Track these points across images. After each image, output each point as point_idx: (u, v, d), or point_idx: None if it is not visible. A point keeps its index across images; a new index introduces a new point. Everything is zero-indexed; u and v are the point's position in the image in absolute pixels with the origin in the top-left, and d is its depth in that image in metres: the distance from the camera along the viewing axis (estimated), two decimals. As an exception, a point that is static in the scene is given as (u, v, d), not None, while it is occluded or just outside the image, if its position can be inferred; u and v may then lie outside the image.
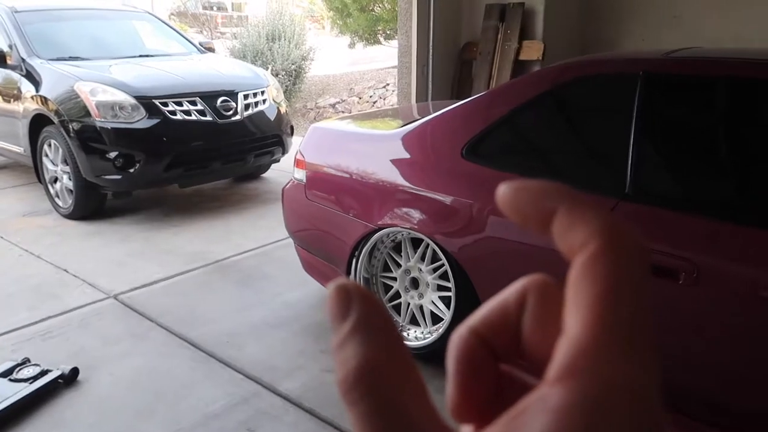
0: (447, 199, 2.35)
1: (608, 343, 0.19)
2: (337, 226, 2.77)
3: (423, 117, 2.83)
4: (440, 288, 2.54)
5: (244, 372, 2.53)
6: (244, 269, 3.61)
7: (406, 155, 2.53)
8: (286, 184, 3.17)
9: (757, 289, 1.69)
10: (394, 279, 2.69)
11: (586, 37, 5.22)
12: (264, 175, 5.76)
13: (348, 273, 2.79)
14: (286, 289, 3.32)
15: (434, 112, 3.04)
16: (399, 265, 2.66)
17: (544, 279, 0.24)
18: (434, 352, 2.49)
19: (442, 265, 2.48)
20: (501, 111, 2.30)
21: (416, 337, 2.59)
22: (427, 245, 2.51)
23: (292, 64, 9.39)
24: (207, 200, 5.04)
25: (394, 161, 2.55)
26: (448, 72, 5.08)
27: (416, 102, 4.85)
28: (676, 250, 1.83)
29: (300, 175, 2.95)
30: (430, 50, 4.78)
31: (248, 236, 4.16)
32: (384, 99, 8.89)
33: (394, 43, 13.64)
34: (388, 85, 9.20)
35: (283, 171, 5.69)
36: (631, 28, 5.14)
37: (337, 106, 9.38)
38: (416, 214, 2.43)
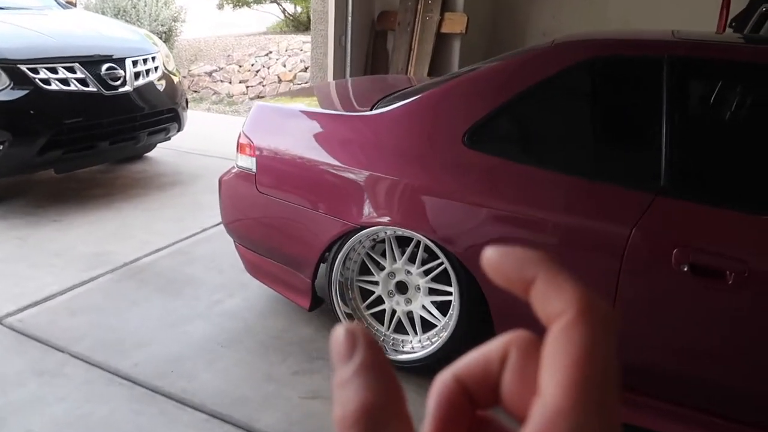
0: (448, 194, 2.06)
1: (582, 405, 0.21)
2: (301, 225, 2.36)
3: (395, 94, 2.50)
4: (432, 292, 2.26)
5: (206, 409, 2.07)
6: (163, 273, 3.04)
7: (394, 142, 2.18)
8: (225, 173, 2.66)
9: None
10: (375, 283, 2.35)
11: (499, 12, 5.12)
12: (149, 154, 5.01)
13: (314, 277, 2.41)
14: (223, 295, 2.83)
15: (400, 87, 2.72)
16: (380, 267, 2.33)
17: (528, 336, 0.25)
18: (430, 365, 2.22)
19: (435, 267, 2.20)
20: (507, 93, 2.03)
21: (412, 347, 2.29)
22: (417, 245, 2.21)
23: (161, 25, 8.34)
24: (86, 187, 4.25)
25: (377, 149, 2.19)
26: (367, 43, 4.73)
27: (338, 77, 4.44)
28: (724, 248, 1.72)
29: (246, 162, 2.47)
30: (349, 18, 4.37)
31: (154, 231, 3.54)
32: (268, 68, 8.24)
33: (264, 7, 12.80)
34: (270, 53, 8.53)
35: (172, 149, 4.99)
36: (543, 6, 5.14)
37: (214, 74, 8.53)
38: (409, 211, 2.11)
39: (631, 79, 1.97)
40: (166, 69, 4.41)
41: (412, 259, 2.25)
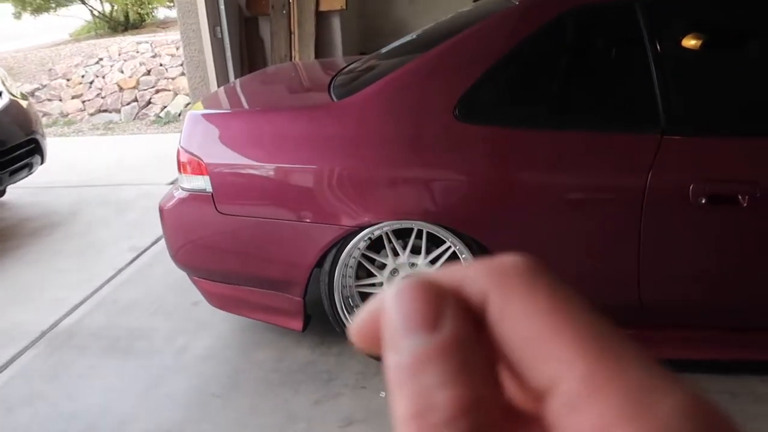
0: (451, 174, 1.93)
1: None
2: (282, 240, 2.09)
3: (346, 80, 2.29)
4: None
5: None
6: (98, 332, 2.56)
7: (377, 129, 1.99)
8: (166, 200, 2.28)
9: None
10: (377, 285, 2.17)
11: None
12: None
13: (305, 294, 2.16)
14: (186, 339, 2.45)
15: (330, 72, 2.50)
16: (380, 266, 2.15)
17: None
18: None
19: (441, 253, 2.07)
20: (490, 58, 1.94)
21: None
22: (419, 235, 2.06)
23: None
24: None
25: (359, 140, 1.99)
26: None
27: (218, 72, 4.01)
28: (733, 174, 1.81)
29: (196, 183, 2.13)
30: (221, 7, 3.96)
31: (57, 286, 2.97)
32: (103, 77, 7.33)
33: (71, 10, 11.37)
34: (101, 59, 7.59)
35: (26, 187, 4.24)
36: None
37: (38, 93, 7.41)
38: (412, 201, 1.95)
39: (610, 27, 1.97)
40: (10, 94, 3.68)
41: (412, 251, 2.10)
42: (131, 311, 2.70)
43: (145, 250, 3.32)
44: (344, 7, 4.29)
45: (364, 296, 2.21)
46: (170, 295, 2.81)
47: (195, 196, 2.15)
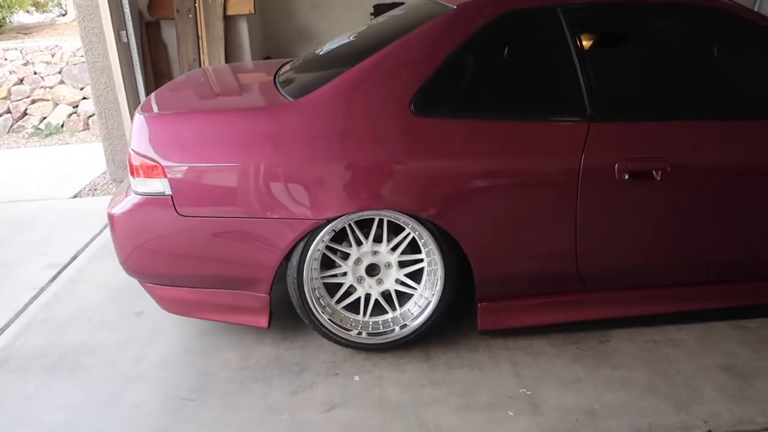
0: (411, 165, 2.08)
1: None
2: (248, 237, 2.12)
3: (294, 79, 2.37)
4: (401, 265, 2.27)
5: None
6: (38, 352, 2.39)
7: (338, 125, 2.07)
8: (114, 205, 2.21)
9: (723, 171, 2.15)
10: (341, 275, 2.26)
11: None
12: None
13: (270, 290, 2.20)
14: (140, 348, 2.37)
15: (261, 73, 2.55)
16: (343, 257, 2.24)
17: None
18: (429, 329, 2.27)
19: (401, 241, 2.22)
20: (438, 56, 2.11)
21: (415, 307, 2.27)
22: (379, 224, 2.19)
23: None
24: None
25: (322, 137, 2.07)
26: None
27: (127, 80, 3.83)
28: (649, 152, 2.13)
29: (153, 186, 2.10)
30: (126, 10, 3.80)
31: (-29, 309, 2.73)
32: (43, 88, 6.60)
33: None
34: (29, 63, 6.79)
35: None
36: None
37: None
38: (376, 192, 2.07)
39: (539, 28, 2.22)
40: None
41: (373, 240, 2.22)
42: (68, 328, 2.55)
43: (66, 266, 3.13)
44: (252, 11, 4.29)
45: (329, 287, 2.29)
46: (109, 308, 2.69)
47: (152, 200, 2.11)
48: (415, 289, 2.29)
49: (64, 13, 12.13)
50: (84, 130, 6.53)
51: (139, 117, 2.17)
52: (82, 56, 7.06)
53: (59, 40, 7.53)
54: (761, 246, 2.29)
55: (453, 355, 2.27)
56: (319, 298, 2.25)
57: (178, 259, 2.20)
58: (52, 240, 3.46)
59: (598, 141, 2.10)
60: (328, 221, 2.10)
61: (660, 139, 2.14)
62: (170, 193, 2.09)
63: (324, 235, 2.13)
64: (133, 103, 3.96)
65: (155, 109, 2.26)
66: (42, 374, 2.25)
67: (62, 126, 6.53)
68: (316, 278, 2.23)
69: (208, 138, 2.09)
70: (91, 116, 6.58)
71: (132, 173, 2.13)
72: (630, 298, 2.34)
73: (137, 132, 2.15)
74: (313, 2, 5.27)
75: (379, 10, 5.27)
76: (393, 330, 2.28)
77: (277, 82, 2.44)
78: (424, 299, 2.28)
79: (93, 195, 4.27)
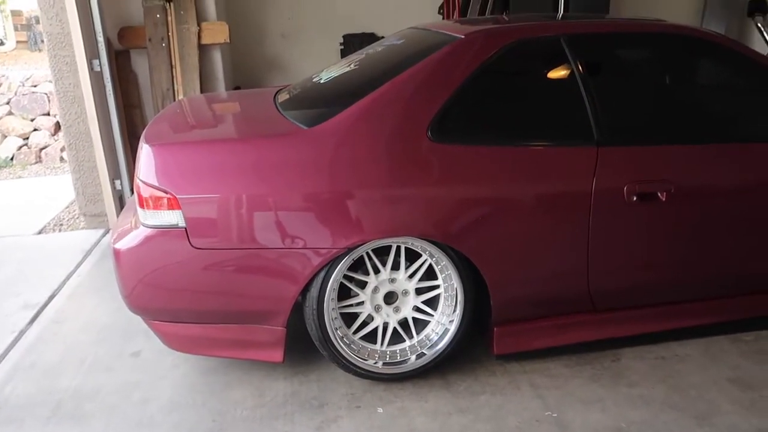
0: (431, 192, 2.08)
1: None
2: (267, 269, 2.06)
3: (302, 106, 2.35)
4: (418, 292, 2.26)
5: None
6: (32, 400, 2.22)
7: (356, 153, 2.06)
8: (120, 239, 2.10)
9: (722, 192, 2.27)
10: (359, 304, 2.22)
11: (234, 17, 4.98)
12: None
13: (287, 323, 2.14)
14: (144, 393, 2.24)
15: (254, 103, 2.53)
16: (361, 286, 2.21)
17: None
18: (448, 355, 2.25)
19: (418, 268, 2.21)
20: (451, 86, 2.14)
21: (433, 334, 2.24)
22: (397, 252, 2.18)
23: None
24: None
25: (341, 164, 2.05)
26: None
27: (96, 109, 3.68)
28: (654, 175, 2.22)
29: (165, 218, 2.02)
30: (99, 38, 3.67)
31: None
32: None
33: None
34: None
35: None
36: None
37: None
38: (396, 218, 2.06)
39: (546, 57, 2.30)
40: None
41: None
42: (60, 372, 2.38)
43: (44, 307, 2.94)
44: (227, 40, 4.24)
45: (345, 317, 2.25)
46: (100, 349, 2.54)
47: (164, 233, 2.02)
48: (432, 315, 2.28)
49: (1, 42, 11.64)
50: (36, 162, 6.23)
51: (146, 147, 2.09)
52: (33, 86, 6.81)
53: (4, 70, 7.21)
54: (757, 261, 2.42)
55: (472, 381, 2.26)
56: (336, 329, 2.20)
57: (189, 293, 2.11)
58: (24, 279, 3.25)
59: (608, 164, 2.18)
60: (349, 250, 2.07)
61: (664, 162, 2.24)
62: (184, 225, 2.01)
63: (344, 265, 2.10)
64: (106, 134, 3.81)
65: (161, 139, 2.19)
66: (41, 425, 2.09)
67: (12, 159, 6.20)
68: (334, 308, 2.19)
69: (225, 167, 2.04)
70: (43, 149, 6.29)
71: (141, 205, 2.04)
72: (639, 316, 2.41)
73: (146, 162, 2.06)
74: (282, 32, 5.28)
75: (348, 40, 5.34)
76: (409, 359, 2.26)
77: (281, 110, 2.41)
78: (441, 326, 2.27)
79: (59, 230, 4.06)
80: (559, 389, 2.20)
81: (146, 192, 2.03)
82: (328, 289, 2.10)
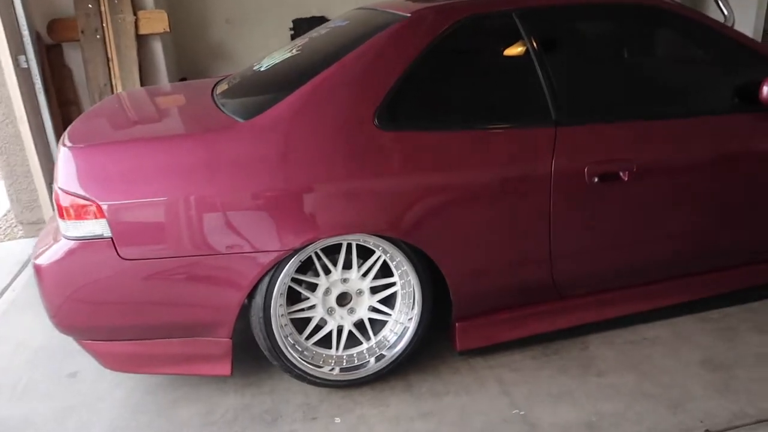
0: (383, 183, 1.93)
1: None
2: (207, 278, 1.89)
3: (232, 100, 2.18)
4: (373, 290, 2.12)
5: None
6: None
7: (298, 146, 1.89)
8: (40, 255, 1.90)
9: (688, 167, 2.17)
10: (310, 308, 2.07)
11: (175, 3, 4.71)
12: None
13: (232, 333, 1.98)
14: (83, 416, 2.06)
15: (192, 95, 2.34)
16: (312, 288, 2.06)
17: None
18: (407, 357, 2.12)
19: (372, 266, 2.07)
20: (396, 69, 1.98)
21: (391, 334, 2.11)
22: (348, 250, 2.03)
23: None
24: None
25: (281, 160, 1.88)
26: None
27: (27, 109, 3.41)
28: (616, 154, 2.11)
29: (88, 228, 1.83)
30: (25, 32, 3.39)
31: None
32: None
33: None
34: None
35: None
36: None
37: None
38: (346, 215, 1.91)
39: (499, 35, 2.16)
40: None
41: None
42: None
43: (-26, 327, 2.71)
44: (167, 29, 3.99)
45: (297, 323, 2.09)
46: (35, 373, 2.34)
47: (88, 244, 1.83)
48: (390, 315, 2.14)
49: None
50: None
51: (65, 150, 1.89)
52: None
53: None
54: (723, 237, 2.34)
55: (435, 381, 2.14)
56: (287, 336, 2.05)
57: (121, 308, 1.92)
58: (-48, 298, 3.00)
59: (567, 145, 2.06)
60: (295, 251, 1.91)
61: (626, 140, 2.13)
62: (110, 234, 1.82)
63: (290, 267, 1.94)
64: (38, 135, 3.55)
65: (83, 140, 1.98)
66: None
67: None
68: (283, 315, 2.03)
69: (153, 169, 1.85)
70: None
71: (61, 215, 1.85)
72: (604, 301, 2.32)
73: (64, 167, 1.86)
74: (227, 17, 5.02)
75: (298, 24, 5.12)
76: (368, 362, 2.12)
77: (218, 103, 2.22)
78: (400, 325, 2.14)
79: (-5, 241, 3.79)
80: (526, 383, 2.09)
81: (66, 201, 1.83)
82: (274, 294, 1.94)
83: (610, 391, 2.03)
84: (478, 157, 2.01)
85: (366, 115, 1.94)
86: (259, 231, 1.86)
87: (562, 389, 2.05)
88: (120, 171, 1.84)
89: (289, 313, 2.05)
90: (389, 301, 2.14)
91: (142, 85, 4.00)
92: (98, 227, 1.82)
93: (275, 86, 2.16)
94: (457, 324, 2.17)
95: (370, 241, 2.00)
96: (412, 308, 2.11)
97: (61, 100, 3.97)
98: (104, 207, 1.80)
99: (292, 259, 1.92)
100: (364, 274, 2.08)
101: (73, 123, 2.24)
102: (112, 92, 3.90)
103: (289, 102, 1.94)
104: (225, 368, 2.03)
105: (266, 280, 1.93)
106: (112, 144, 1.94)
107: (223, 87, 2.46)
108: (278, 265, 1.92)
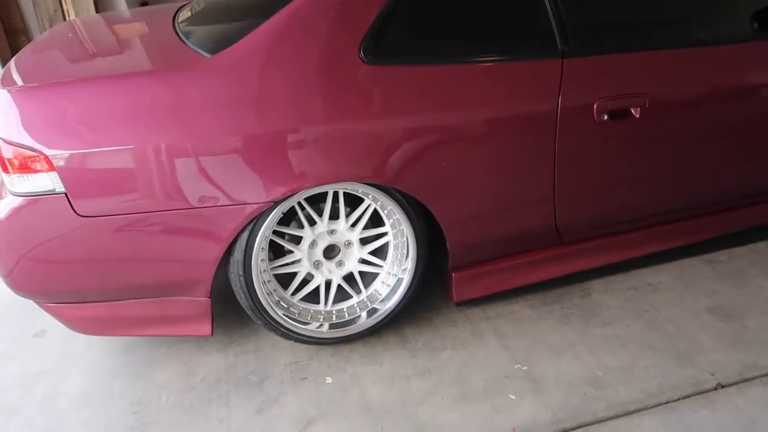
0: (371, 125, 1.72)
1: None
2: (178, 234, 1.69)
3: (193, 33, 1.91)
4: (363, 242, 1.95)
5: None
6: None
7: (275, 83, 1.66)
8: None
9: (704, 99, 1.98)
10: (295, 263, 1.90)
11: None
12: None
13: (210, 292, 1.81)
14: (51, 382, 1.91)
15: (153, 24, 2.06)
16: (296, 241, 1.88)
17: None
18: (403, 309, 1.99)
19: (360, 216, 1.89)
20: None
21: (383, 287, 1.97)
22: (334, 198, 1.84)
23: None
24: None
25: (257, 99, 1.65)
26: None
27: None
28: (627, 88, 1.91)
29: (38, 183, 1.60)
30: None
31: None
32: None
33: None
34: None
35: None
36: None
37: None
38: (332, 161, 1.70)
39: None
40: None
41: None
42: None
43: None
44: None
45: (281, 278, 1.93)
46: (-5, 335, 2.16)
47: (38, 200, 1.61)
48: (381, 266, 1.98)
49: None
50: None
51: (4, 93, 1.62)
52: None
53: None
54: (735, 175, 2.19)
55: (431, 335, 2.01)
56: (270, 293, 1.88)
57: (85, 269, 1.73)
58: None
59: (575, 79, 1.85)
60: (275, 203, 1.71)
61: (638, 73, 1.92)
62: (63, 189, 1.60)
63: (272, 220, 1.75)
64: (-15, 69, 3.21)
65: (25, 79, 1.71)
66: None
67: None
68: (265, 270, 1.86)
69: (109, 112, 1.60)
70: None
71: (5, 169, 1.61)
72: (609, 245, 2.18)
73: (4, 113, 1.61)
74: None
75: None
76: (359, 317, 1.98)
77: (181, 35, 1.95)
78: (392, 277, 1.98)
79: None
80: (526, 336, 1.98)
81: (8, 152, 1.59)
82: (254, 249, 1.76)
83: (615, 343, 1.92)
84: (476, 94, 1.80)
85: (350, 47, 1.70)
86: (233, 181, 1.65)
87: (565, 342, 1.94)
88: (70, 116, 1.59)
89: (272, 268, 1.88)
90: (380, 252, 1.98)
91: (97, 11, 3.62)
92: (48, 181, 1.59)
93: (245, 13, 1.89)
94: (453, 274, 2.02)
95: (358, 189, 1.81)
96: (406, 259, 1.95)
97: (7, 28, 3.60)
98: (52, 158, 1.57)
99: (274, 212, 1.73)
100: (353, 225, 1.90)
101: (14, 58, 1.96)
102: (64, 19, 3.53)
103: (261, 33, 1.68)
104: (205, 329, 1.87)
105: (245, 234, 1.74)
106: (60, 84, 1.67)
107: (185, 14, 2.17)
108: (258, 218, 1.72)
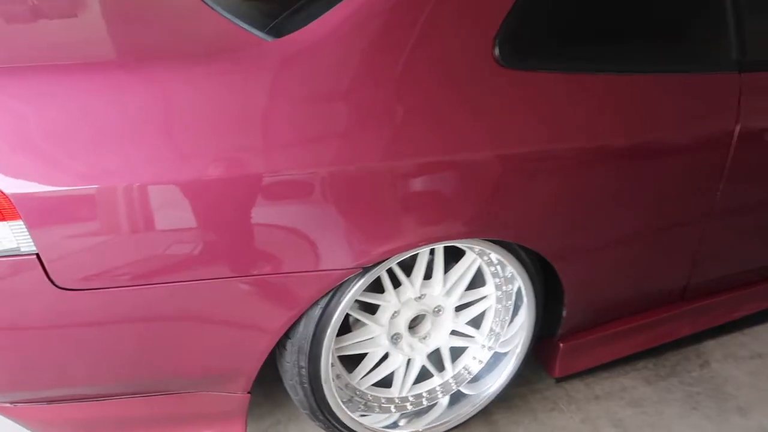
0: (502, 154, 1.18)
1: None
2: (210, 315, 1.10)
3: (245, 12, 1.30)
4: (458, 307, 1.42)
5: None
6: None
7: (359, 90, 1.07)
8: None
9: None
10: (364, 340, 1.35)
11: None
12: None
13: (249, 387, 1.24)
14: None
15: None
16: (372, 312, 1.33)
17: None
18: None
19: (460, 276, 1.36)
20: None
21: (473, 363, 1.46)
22: (430, 257, 1.30)
23: None
24: None
25: (336, 111, 1.07)
26: None
27: None
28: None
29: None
30: None
31: None
32: None
33: None
34: None
35: None
36: None
37: None
38: (451, 207, 1.15)
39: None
40: None
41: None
42: None
43: None
44: None
45: (343, 360, 1.37)
46: None
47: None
48: (473, 338, 1.47)
49: None
50: None
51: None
52: None
53: None
54: None
55: (531, 423, 1.53)
56: (334, 378, 1.33)
57: (68, 359, 1.12)
58: None
59: (753, 95, 1.39)
60: (365, 269, 1.15)
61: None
62: (33, 249, 0.97)
63: (357, 290, 1.18)
64: None
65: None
66: None
67: None
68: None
69: (107, 123, 0.97)
70: None
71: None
72: (727, 300, 1.77)
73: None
74: None
75: None
76: (437, 404, 1.47)
77: (217, 5, 1.32)
78: (488, 351, 1.48)
79: None
80: (652, 427, 1.53)
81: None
82: (328, 331, 1.20)
83: (767, 440, 1.52)
84: (625, 112, 1.29)
85: (483, 42, 1.13)
86: (308, 238, 1.08)
87: (703, 437, 1.51)
88: (42, 127, 0.96)
89: (337, 348, 1.32)
90: (474, 320, 1.46)
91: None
92: (10, 236, 0.96)
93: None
94: (561, 344, 1.54)
95: (468, 243, 1.28)
96: (508, 326, 1.45)
97: None
98: (16, 199, 0.94)
99: (360, 281, 1.17)
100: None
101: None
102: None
103: (349, 9, 1.08)
104: (237, 428, 1.31)
105: (316, 311, 1.17)
106: (23, 70, 1.01)
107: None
108: (337, 290, 1.16)
